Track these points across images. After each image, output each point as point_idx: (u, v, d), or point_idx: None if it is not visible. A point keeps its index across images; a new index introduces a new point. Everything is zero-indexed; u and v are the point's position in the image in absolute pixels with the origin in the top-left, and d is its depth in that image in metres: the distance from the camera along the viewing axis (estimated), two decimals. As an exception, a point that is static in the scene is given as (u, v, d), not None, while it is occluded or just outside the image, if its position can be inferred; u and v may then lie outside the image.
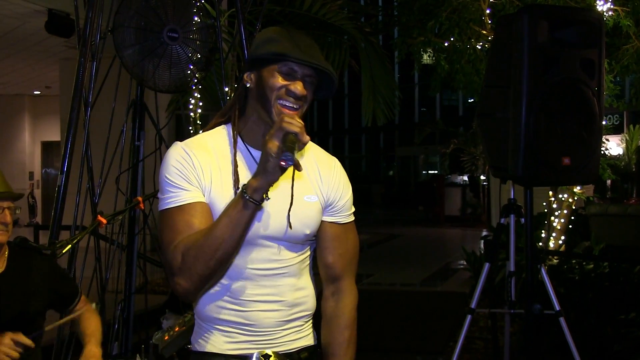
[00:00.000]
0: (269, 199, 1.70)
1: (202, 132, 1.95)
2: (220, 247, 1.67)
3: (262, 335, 1.86)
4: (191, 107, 7.81)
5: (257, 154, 1.83)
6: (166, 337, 2.67)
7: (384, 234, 16.27)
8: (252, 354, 1.85)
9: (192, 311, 2.73)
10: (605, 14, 6.08)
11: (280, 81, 1.79)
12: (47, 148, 17.36)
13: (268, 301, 1.86)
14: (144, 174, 4.28)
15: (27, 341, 2.52)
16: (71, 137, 3.96)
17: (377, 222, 19.60)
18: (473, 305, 3.99)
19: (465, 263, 9.45)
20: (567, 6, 5.62)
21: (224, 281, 1.84)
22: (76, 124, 3.99)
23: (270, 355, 1.86)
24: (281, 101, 1.79)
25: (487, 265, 4.04)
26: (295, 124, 1.63)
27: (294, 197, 1.83)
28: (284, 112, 1.76)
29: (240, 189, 1.67)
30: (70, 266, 3.89)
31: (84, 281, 4.12)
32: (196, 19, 4.06)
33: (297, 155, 1.62)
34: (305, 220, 1.88)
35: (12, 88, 15.65)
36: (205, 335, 1.89)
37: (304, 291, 1.94)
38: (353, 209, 2.03)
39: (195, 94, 7.67)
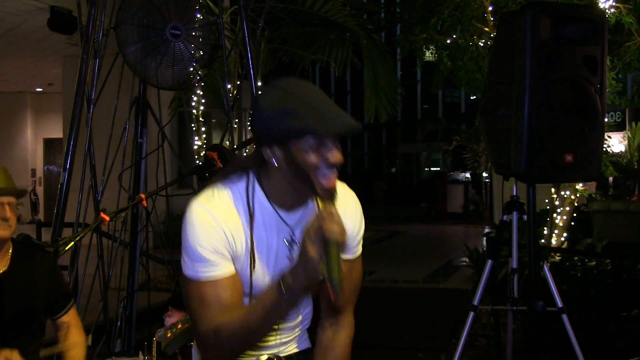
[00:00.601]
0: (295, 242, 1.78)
1: (214, 182, 1.83)
2: (255, 334, 1.70)
3: (266, 350, 1.92)
4: (194, 104, 7.82)
5: (285, 214, 1.80)
6: (169, 335, 2.68)
7: (386, 231, 16.26)
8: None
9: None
10: (607, 11, 6.07)
11: (315, 157, 1.67)
12: (50, 145, 17.36)
13: (275, 343, 1.93)
14: (146, 171, 4.28)
15: None
16: (74, 135, 3.96)
17: (380, 219, 19.58)
18: (476, 302, 3.99)
19: (467, 260, 9.45)
20: (569, 3, 5.62)
21: None
22: (79, 121, 3.99)
23: (275, 357, 1.91)
24: (321, 176, 1.68)
25: (489, 262, 4.04)
26: (336, 229, 1.57)
27: None
28: (325, 184, 1.68)
29: (278, 281, 1.63)
30: (72, 263, 3.90)
31: (86, 278, 4.13)
32: (199, 16, 4.06)
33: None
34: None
35: (14, 85, 15.65)
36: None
37: (306, 312, 2.01)
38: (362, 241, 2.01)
39: (198, 92, 7.68)
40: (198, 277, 1.73)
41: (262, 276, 1.80)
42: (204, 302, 1.72)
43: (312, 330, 2.05)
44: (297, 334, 1.99)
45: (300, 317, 1.97)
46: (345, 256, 1.89)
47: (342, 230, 1.58)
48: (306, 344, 2.05)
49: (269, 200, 1.79)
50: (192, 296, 1.75)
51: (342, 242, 1.57)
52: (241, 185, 1.80)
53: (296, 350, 1.99)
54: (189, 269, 1.75)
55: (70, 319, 2.97)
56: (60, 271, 3.08)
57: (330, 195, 1.68)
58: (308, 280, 1.58)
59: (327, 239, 1.55)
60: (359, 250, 1.99)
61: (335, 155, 1.68)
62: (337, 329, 1.98)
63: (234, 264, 1.76)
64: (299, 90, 1.69)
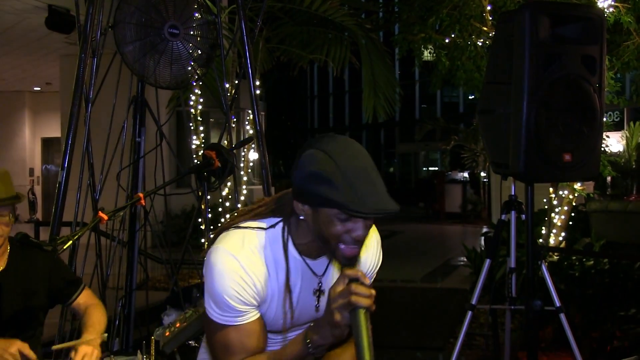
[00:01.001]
0: (323, 291, 1.81)
1: (243, 222, 1.82)
2: None
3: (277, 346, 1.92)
4: (192, 103, 7.81)
5: (311, 262, 1.81)
6: (167, 333, 2.67)
7: (384, 230, 16.22)
8: None
9: (194, 307, 2.74)
10: (606, 10, 6.07)
11: (340, 228, 1.65)
12: (48, 144, 17.36)
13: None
14: (144, 170, 4.28)
15: (32, 355, 2.52)
16: (72, 134, 3.96)
17: (378, 219, 19.54)
18: (474, 301, 4.00)
19: (465, 259, 9.44)
20: (568, 2, 5.61)
21: None
22: (77, 121, 3.99)
23: None
24: (342, 246, 1.67)
25: (487, 262, 4.04)
26: (364, 296, 1.56)
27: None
28: (346, 254, 1.67)
29: (304, 336, 1.65)
30: (70, 262, 3.89)
31: (84, 277, 4.12)
32: (197, 15, 4.06)
33: None
34: None
35: (12, 84, 15.64)
36: None
37: None
38: None
39: (196, 91, 7.67)
40: (223, 322, 1.74)
41: (284, 319, 1.81)
42: (229, 348, 1.73)
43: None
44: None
45: None
46: None
47: (370, 295, 1.57)
48: None
49: (295, 248, 1.79)
50: (215, 339, 1.76)
51: (372, 307, 1.56)
52: (272, 231, 1.79)
53: None
54: (215, 313, 1.75)
55: (86, 299, 2.98)
56: (63, 265, 3.08)
57: (349, 264, 1.67)
58: (334, 340, 1.60)
59: (356, 306, 1.54)
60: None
61: (361, 233, 1.66)
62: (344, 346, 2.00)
63: (259, 307, 1.77)
64: (344, 159, 1.64)
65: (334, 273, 1.86)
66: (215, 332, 1.76)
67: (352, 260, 1.67)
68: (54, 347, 2.84)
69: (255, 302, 1.74)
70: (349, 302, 1.54)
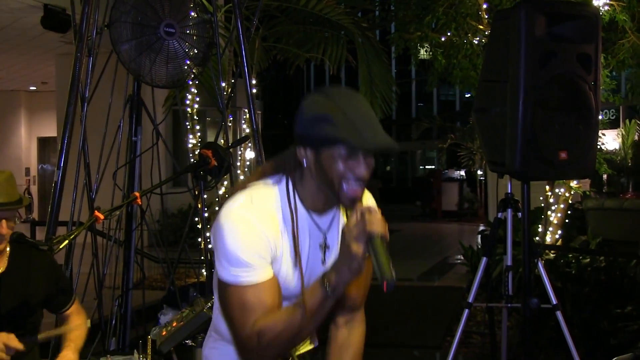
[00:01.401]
0: (328, 247, 1.79)
1: (246, 187, 1.83)
2: (297, 335, 1.68)
3: None
4: (188, 102, 7.80)
5: (318, 218, 1.83)
6: (164, 333, 2.67)
7: (381, 229, 16.26)
8: None
9: (190, 306, 2.74)
10: (601, 8, 6.09)
11: (345, 167, 1.69)
12: (44, 144, 17.32)
13: None
14: (141, 169, 4.28)
15: (18, 346, 2.51)
16: (68, 133, 3.95)
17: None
18: (470, 299, 4.00)
19: (462, 258, 9.46)
20: (564, 1, 5.61)
21: None
22: (73, 120, 3.98)
23: (290, 356, 1.91)
24: (346, 186, 1.70)
25: (484, 260, 4.05)
26: (378, 223, 1.58)
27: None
28: (349, 194, 1.70)
29: (321, 280, 1.63)
30: (67, 262, 3.89)
31: (81, 277, 4.12)
32: (193, 14, 4.05)
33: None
34: None
35: (8, 84, 15.61)
36: (227, 353, 1.93)
37: None
38: None
39: (192, 89, 7.67)
40: (239, 281, 1.71)
41: (297, 278, 1.81)
42: (246, 307, 1.70)
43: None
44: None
45: None
46: None
47: (384, 223, 1.59)
48: (315, 342, 2.07)
49: (302, 204, 1.81)
50: (232, 301, 1.73)
51: (386, 235, 1.58)
52: (279, 188, 1.82)
53: (310, 346, 2.01)
54: (229, 274, 1.72)
55: (73, 311, 2.99)
56: (59, 268, 3.07)
57: (352, 205, 1.69)
58: (352, 277, 1.59)
59: (371, 234, 1.56)
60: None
61: (363, 171, 1.70)
62: (352, 327, 2.03)
63: (272, 265, 1.76)
64: (343, 100, 1.71)
65: (338, 228, 1.87)
66: (230, 295, 1.72)
67: (355, 202, 1.70)
68: (40, 335, 2.84)
69: (268, 257, 1.73)
70: (364, 230, 1.56)
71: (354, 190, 1.70)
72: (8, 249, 2.82)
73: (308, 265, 1.83)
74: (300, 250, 1.79)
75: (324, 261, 1.84)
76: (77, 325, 2.94)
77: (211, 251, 2.28)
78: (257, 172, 1.89)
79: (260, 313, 1.69)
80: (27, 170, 17.39)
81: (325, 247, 1.85)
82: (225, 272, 1.73)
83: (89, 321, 3.04)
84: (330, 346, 2.02)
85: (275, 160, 1.88)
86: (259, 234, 1.71)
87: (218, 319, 1.93)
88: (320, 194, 1.79)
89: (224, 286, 1.74)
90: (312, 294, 1.64)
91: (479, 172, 19.60)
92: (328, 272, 1.62)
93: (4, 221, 2.71)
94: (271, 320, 1.67)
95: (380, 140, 1.68)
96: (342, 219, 1.90)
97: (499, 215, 4.03)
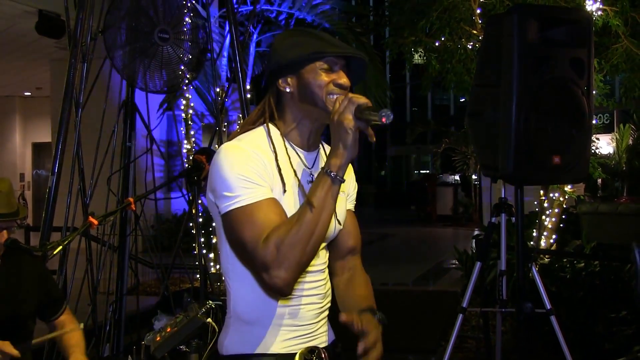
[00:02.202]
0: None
1: (235, 135, 1.91)
2: (315, 230, 1.67)
3: (304, 329, 1.92)
4: (182, 107, 7.81)
5: (303, 153, 1.90)
6: (158, 338, 2.67)
7: (376, 233, 16.26)
8: (295, 352, 1.88)
9: (184, 312, 2.73)
10: (594, 13, 6.11)
11: (325, 77, 1.83)
12: (38, 149, 17.28)
13: (310, 295, 1.92)
14: (135, 174, 4.27)
15: (13, 351, 2.51)
16: (62, 138, 3.95)
17: (369, 222, 19.57)
18: (464, 304, 4.00)
19: (457, 262, 9.46)
20: (556, 6, 5.65)
21: None
22: (67, 125, 3.98)
23: (317, 349, 1.91)
24: (331, 95, 1.82)
25: (478, 264, 4.05)
26: (360, 96, 1.70)
27: None
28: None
29: (322, 170, 1.70)
30: (61, 267, 3.88)
31: (75, 282, 4.12)
32: (187, 19, 4.06)
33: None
34: (342, 215, 2.00)
35: (2, 89, 15.58)
36: (249, 337, 1.89)
37: (328, 284, 2.02)
38: None
39: (186, 95, 7.67)
40: (243, 203, 1.72)
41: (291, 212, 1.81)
42: (256, 224, 1.70)
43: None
44: (326, 305, 2.00)
45: (327, 288, 2.00)
46: (349, 205, 2.11)
47: (363, 97, 1.70)
48: (332, 336, 2.06)
49: (288, 141, 1.89)
50: (242, 227, 1.72)
51: (369, 102, 1.69)
52: (263, 127, 1.90)
53: (326, 343, 1.99)
54: (232, 201, 1.73)
55: (64, 319, 2.98)
56: (50, 275, 3.07)
57: None
58: (349, 152, 1.69)
59: (355, 102, 1.68)
60: (354, 202, 2.16)
61: (344, 80, 1.84)
62: (354, 271, 2.12)
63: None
64: (309, 30, 1.90)
65: (322, 164, 1.91)
66: (239, 222, 1.72)
67: None
68: (34, 340, 2.83)
69: (267, 178, 1.77)
70: (349, 103, 1.68)
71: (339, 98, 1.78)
72: (1, 253, 2.81)
73: (299, 200, 1.85)
74: (291, 183, 1.84)
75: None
76: (72, 329, 2.94)
77: (205, 257, 2.28)
78: (241, 126, 1.96)
79: (270, 227, 1.69)
80: (22, 176, 17.35)
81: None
82: (229, 202, 1.74)
83: (82, 324, 3.04)
84: (336, 294, 2.08)
85: (254, 112, 1.97)
86: (254, 155, 1.78)
87: (233, 299, 1.92)
88: (304, 127, 1.89)
89: (230, 218, 1.74)
90: (317, 184, 1.69)
91: (474, 177, 19.62)
92: (327, 160, 1.70)
93: (5, 232, 2.72)
94: (284, 227, 1.68)
95: (351, 49, 1.89)
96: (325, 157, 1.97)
97: (493, 219, 4.04)
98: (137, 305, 4.39)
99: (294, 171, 1.86)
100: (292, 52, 1.84)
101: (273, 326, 1.87)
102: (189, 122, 7.92)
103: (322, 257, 1.97)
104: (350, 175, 2.07)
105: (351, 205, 2.11)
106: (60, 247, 2.51)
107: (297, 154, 1.89)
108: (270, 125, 1.89)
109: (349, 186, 2.09)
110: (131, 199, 3.25)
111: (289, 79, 1.86)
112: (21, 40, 10.57)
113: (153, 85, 3.97)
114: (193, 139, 8.12)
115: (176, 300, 3.51)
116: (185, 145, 7.77)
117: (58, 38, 8.92)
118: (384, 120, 1.64)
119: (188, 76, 4.09)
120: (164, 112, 8.13)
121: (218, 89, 5.23)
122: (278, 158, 1.83)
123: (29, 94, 16.32)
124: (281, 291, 1.72)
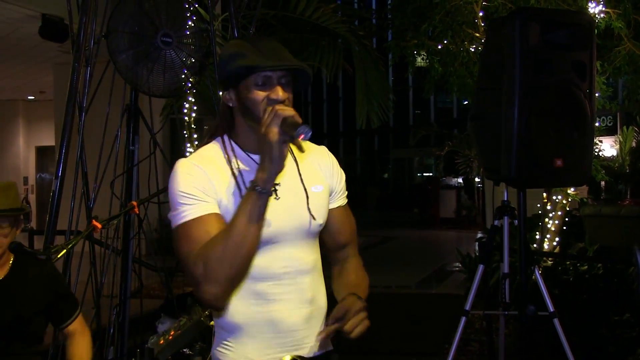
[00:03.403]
0: (278, 184, 1.81)
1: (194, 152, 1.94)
2: (242, 244, 1.67)
3: (288, 336, 1.88)
4: (185, 111, 7.81)
5: (257, 157, 1.86)
6: (161, 342, 2.68)
7: (379, 236, 16.27)
8: None
9: (188, 315, 2.74)
10: (597, 16, 6.11)
11: (259, 94, 1.81)
12: (42, 153, 17.32)
13: (291, 299, 1.88)
14: (138, 178, 4.28)
15: None
16: (65, 142, 3.96)
17: (372, 225, 19.57)
18: (467, 307, 4.00)
19: (460, 265, 9.47)
20: (558, 9, 5.65)
21: (248, 284, 1.84)
22: (70, 129, 3.99)
23: (300, 359, 1.88)
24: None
25: (481, 267, 4.06)
26: (287, 109, 1.69)
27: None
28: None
29: (249, 185, 1.70)
30: (65, 271, 3.89)
31: (79, 286, 4.12)
32: (190, 23, 4.07)
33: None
34: (319, 210, 1.95)
35: (6, 93, 15.62)
36: (230, 344, 1.89)
37: (319, 289, 1.98)
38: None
39: (190, 99, 7.67)
40: (185, 219, 1.76)
41: None
42: (192, 240, 1.73)
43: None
44: (315, 311, 1.95)
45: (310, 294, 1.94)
46: (338, 202, 2.07)
47: (293, 110, 1.71)
48: (326, 346, 2.01)
49: (242, 149, 1.90)
50: (179, 243, 1.75)
51: (296, 117, 1.68)
52: (217, 141, 1.93)
53: (314, 352, 1.94)
54: (176, 217, 1.78)
55: (77, 327, 2.97)
56: (59, 276, 3.07)
57: None
58: (276, 165, 1.67)
59: (282, 116, 1.66)
60: (345, 197, 2.11)
61: (279, 93, 1.80)
62: (346, 261, 2.11)
63: (219, 207, 1.80)
64: (254, 39, 1.87)
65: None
66: (179, 236, 1.76)
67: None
68: None
69: (211, 193, 1.79)
70: (276, 114, 1.66)
71: None
72: (11, 259, 2.83)
73: None
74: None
75: (277, 197, 1.87)
76: (77, 338, 2.93)
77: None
78: (202, 137, 2.01)
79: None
80: (26, 180, 17.39)
81: (275, 185, 1.85)
82: (174, 217, 1.79)
83: None
84: (333, 276, 2.09)
85: (208, 130, 2.01)
86: (199, 171, 1.80)
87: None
88: (253, 134, 1.86)
89: (175, 233, 1.78)
90: (245, 199, 1.70)
91: (477, 179, 19.61)
92: (255, 174, 1.70)
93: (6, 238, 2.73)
94: (211, 242, 1.70)
95: (286, 61, 1.82)
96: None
97: (496, 222, 4.04)
98: (141, 308, 4.40)
99: (250, 174, 1.84)
100: (228, 66, 1.84)
101: (251, 332, 1.86)
102: (192, 126, 7.92)
103: (300, 259, 1.91)
104: (330, 170, 2.06)
105: (341, 201, 2.08)
106: (64, 251, 2.52)
107: (253, 159, 1.89)
108: (226, 137, 1.92)
109: (332, 181, 2.05)
110: (135, 203, 3.26)
111: (231, 93, 1.88)
112: (24, 44, 10.60)
113: (156, 89, 3.98)
114: (196, 143, 8.12)
115: (180, 303, 3.51)
116: (188, 149, 7.77)
117: (61, 42, 8.94)
118: (302, 137, 1.64)
119: (191, 80, 4.10)
120: (167, 116, 8.13)
121: (221, 93, 5.22)
122: (232, 168, 1.85)
123: (33, 97, 16.36)
124: (212, 305, 1.75)
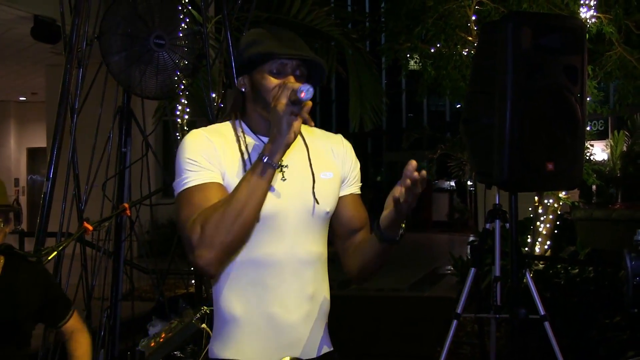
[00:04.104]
0: (286, 166, 1.83)
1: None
2: (241, 212, 1.66)
3: (286, 333, 1.84)
4: (178, 113, 7.80)
5: (267, 139, 1.84)
6: (152, 344, 2.67)
7: (371, 239, 16.24)
8: None
9: (179, 318, 2.74)
10: (588, 21, 6.14)
11: (273, 81, 1.82)
12: (33, 155, 17.26)
13: (291, 291, 1.85)
14: (130, 180, 4.27)
15: None
16: (57, 144, 3.95)
17: (365, 228, 19.51)
18: (459, 310, 4.01)
19: (452, 268, 9.48)
20: (550, 13, 5.68)
21: (249, 272, 1.82)
22: (62, 131, 3.98)
23: None
24: None
25: (473, 270, 4.06)
26: (296, 83, 1.73)
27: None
28: None
29: (259, 155, 1.69)
30: (56, 273, 3.87)
31: (70, 288, 4.11)
32: (183, 25, 4.07)
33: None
34: (326, 197, 1.92)
35: (-3, 94, 15.59)
36: (228, 341, 1.86)
37: (322, 286, 1.94)
38: None
39: (182, 100, 7.66)
40: (187, 185, 1.77)
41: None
42: (192, 206, 1.73)
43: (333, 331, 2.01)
44: (316, 309, 1.91)
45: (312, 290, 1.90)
46: (352, 189, 2.05)
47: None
48: (329, 346, 1.98)
49: (252, 132, 1.92)
50: (180, 208, 1.76)
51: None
52: (230, 122, 1.95)
53: (315, 353, 1.91)
54: (179, 183, 1.79)
55: (74, 324, 2.96)
56: (50, 277, 3.06)
57: None
58: (284, 138, 1.67)
59: (291, 89, 1.67)
60: (359, 187, 2.09)
61: (292, 81, 1.80)
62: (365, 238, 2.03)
63: (222, 180, 1.81)
64: (269, 28, 1.90)
65: (293, 145, 1.90)
66: (180, 202, 1.77)
67: None
68: None
69: (215, 163, 1.80)
70: (285, 87, 1.68)
71: None
72: (3, 260, 2.81)
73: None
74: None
75: (284, 178, 1.87)
76: (77, 336, 2.92)
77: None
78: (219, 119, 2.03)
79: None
80: (17, 181, 17.33)
81: (281, 167, 1.87)
82: (177, 184, 1.79)
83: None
84: (348, 256, 2.02)
85: (225, 112, 2.02)
86: (207, 141, 1.83)
87: (214, 302, 1.90)
88: (263, 121, 1.87)
89: (177, 199, 1.79)
90: (252, 168, 1.70)
91: (469, 183, 19.66)
92: (264, 146, 1.70)
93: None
94: (211, 208, 1.70)
95: (302, 51, 1.83)
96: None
97: (487, 226, 4.05)
98: (132, 310, 4.39)
99: (256, 155, 1.83)
100: (245, 52, 1.86)
101: (250, 330, 1.83)
102: (185, 128, 7.91)
103: (304, 247, 1.88)
104: (343, 157, 2.05)
105: (354, 189, 2.05)
106: (55, 253, 2.51)
107: (262, 141, 1.89)
108: (239, 120, 1.94)
109: (344, 168, 2.04)
110: (126, 205, 3.25)
111: (244, 79, 1.90)
112: (16, 46, 10.57)
113: (149, 91, 3.98)
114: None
115: (171, 305, 3.51)
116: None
117: (53, 43, 8.92)
118: (302, 95, 1.64)
119: (184, 82, 4.10)
120: (159, 118, 8.12)
121: (214, 95, 5.23)
122: (241, 145, 1.86)
123: (24, 99, 16.31)
124: (205, 271, 1.72)
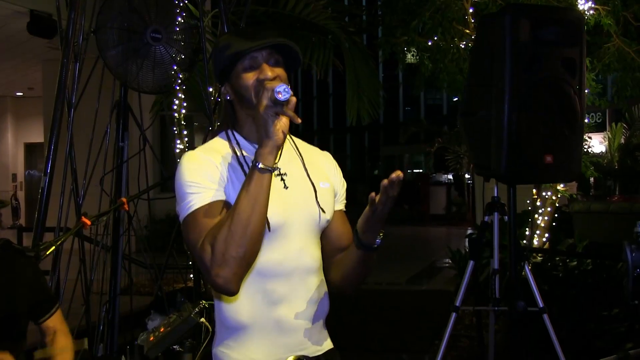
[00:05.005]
0: (285, 174, 1.84)
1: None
2: (248, 223, 1.65)
3: (293, 335, 1.86)
4: (175, 107, 7.78)
5: None
6: (151, 338, 2.67)
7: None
8: None
9: (178, 312, 2.73)
10: (586, 13, 6.13)
11: (249, 77, 1.82)
12: (30, 150, 17.25)
13: (298, 299, 1.86)
14: (128, 175, 4.27)
15: None
16: (54, 139, 3.94)
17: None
18: (458, 303, 4.01)
19: (450, 261, 9.48)
20: (548, 5, 5.66)
21: (257, 282, 1.82)
22: (59, 125, 3.97)
23: (305, 358, 1.86)
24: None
25: (471, 263, 4.07)
26: (275, 82, 1.72)
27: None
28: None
29: (252, 163, 1.69)
30: (54, 268, 3.87)
31: (68, 283, 4.11)
32: (179, 19, 4.06)
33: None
34: (329, 206, 1.95)
35: (-6, 90, 15.56)
36: (233, 344, 1.86)
37: (323, 289, 1.95)
38: None
39: (179, 95, 7.65)
40: (192, 209, 1.74)
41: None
42: (199, 228, 1.72)
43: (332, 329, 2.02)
44: (319, 312, 1.92)
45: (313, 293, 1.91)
46: (340, 205, 2.06)
47: (285, 83, 1.71)
48: (330, 344, 1.99)
49: (247, 141, 1.90)
50: (188, 232, 1.74)
51: (287, 85, 1.67)
52: (223, 135, 1.93)
53: (322, 350, 1.93)
54: (183, 208, 1.77)
55: (56, 323, 2.94)
56: (42, 275, 3.05)
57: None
58: (274, 139, 1.66)
59: (271, 89, 1.66)
60: (344, 204, 2.10)
61: (267, 72, 1.81)
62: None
63: (227, 195, 1.79)
64: (239, 30, 1.92)
65: (288, 155, 1.94)
66: (189, 227, 1.74)
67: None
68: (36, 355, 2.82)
69: (217, 180, 1.79)
70: (265, 88, 1.67)
71: None
72: None
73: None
74: None
75: (285, 187, 1.87)
76: (64, 347, 2.91)
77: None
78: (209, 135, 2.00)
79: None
80: (14, 176, 17.32)
81: (281, 175, 1.88)
82: (181, 209, 1.77)
83: (85, 341, 3.00)
84: (334, 266, 2.02)
85: (217, 124, 2.00)
86: (205, 159, 1.81)
87: (216, 305, 1.90)
88: (254, 125, 1.83)
89: (183, 224, 1.77)
90: (248, 177, 1.69)
91: (467, 176, 19.66)
92: (256, 151, 1.70)
93: None
94: (217, 225, 1.69)
95: (266, 38, 1.82)
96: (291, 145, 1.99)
97: (486, 218, 4.05)
98: (131, 305, 4.39)
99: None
100: (221, 57, 1.86)
101: (258, 334, 1.83)
102: (182, 123, 7.89)
103: (311, 255, 1.90)
104: (333, 172, 2.07)
105: (341, 205, 2.07)
106: (53, 248, 2.51)
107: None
108: (230, 131, 1.91)
109: (336, 183, 2.04)
110: (124, 199, 3.25)
111: (226, 87, 1.90)
112: (13, 41, 10.54)
113: (146, 85, 3.97)
114: (186, 139, 8.10)
115: (169, 300, 3.51)
116: (178, 145, 7.74)
117: (50, 38, 8.89)
118: (280, 96, 1.63)
119: (181, 76, 4.09)
120: (157, 112, 8.11)
121: (211, 89, 5.22)
122: (238, 156, 1.85)
123: (21, 94, 16.29)
124: (225, 290, 1.70)
